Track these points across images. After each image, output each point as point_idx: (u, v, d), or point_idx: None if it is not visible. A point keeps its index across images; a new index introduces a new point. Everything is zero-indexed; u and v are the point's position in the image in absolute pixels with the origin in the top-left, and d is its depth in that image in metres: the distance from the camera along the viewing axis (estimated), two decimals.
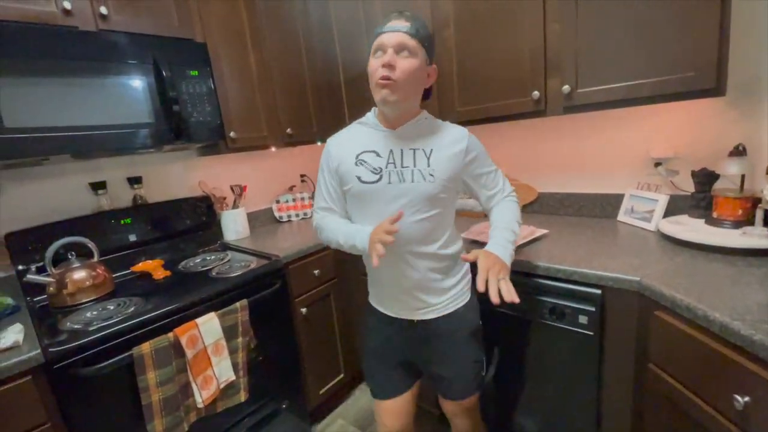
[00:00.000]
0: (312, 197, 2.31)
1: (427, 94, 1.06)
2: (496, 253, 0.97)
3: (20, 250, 1.36)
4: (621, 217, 1.49)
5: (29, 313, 1.26)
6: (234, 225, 1.91)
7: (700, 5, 1.02)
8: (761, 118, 1.21)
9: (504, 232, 1.04)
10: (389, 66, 0.91)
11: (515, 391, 1.34)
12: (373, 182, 0.99)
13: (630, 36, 1.13)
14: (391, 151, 1.00)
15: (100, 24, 1.30)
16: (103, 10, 1.30)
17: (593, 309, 1.09)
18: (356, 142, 1.04)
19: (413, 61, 0.93)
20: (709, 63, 1.03)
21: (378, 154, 1.00)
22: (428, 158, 0.98)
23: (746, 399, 0.74)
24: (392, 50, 0.91)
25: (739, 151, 1.19)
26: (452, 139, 1.02)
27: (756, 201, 1.16)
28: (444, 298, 1.06)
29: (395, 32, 0.92)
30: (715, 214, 1.22)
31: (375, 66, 0.94)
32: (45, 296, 1.33)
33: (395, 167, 0.98)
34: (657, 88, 1.11)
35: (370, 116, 1.07)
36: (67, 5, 1.23)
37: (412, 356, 1.13)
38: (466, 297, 1.10)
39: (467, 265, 1.14)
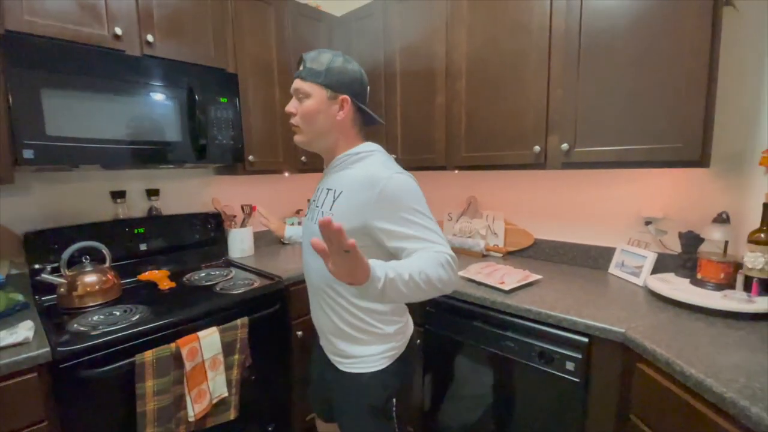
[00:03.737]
0: None
1: (367, 120, 1.03)
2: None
3: (36, 250, 1.42)
4: (612, 269, 1.56)
5: (37, 311, 1.30)
6: (240, 243, 1.97)
7: (689, 84, 1.13)
8: (744, 189, 1.31)
9: (406, 266, 0.74)
10: (289, 113, 0.98)
11: None
12: (306, 218, 1.08)
13: (625, 105, 1.25)
14: (318, 188, 1.05)
15: (145, 50, 1.43)
16: (150, 38, 1.43)
17: (580, 356, 1.14)
18: None
19: (308, 102, 0.95)
20: (695, 137, 1.13)
21: (316, 191, 1.07)
22: (334, 200, 0.94)
23: None
24: (294, 97, 0.98)
25: (722, 219, 1.28)
26: (363, 183, 0.88)
27: (738, 266, 1.23)
28: (348, 361, 1.01)
29: (297, 78, 0.97)
30: (699, 275, 1.29)
31: None
32: (53, 296, 1.37)
33: (314, 205, 1.03)
34: (647, 155, 1.21)
35: None
36: (119, 31, 1.36)
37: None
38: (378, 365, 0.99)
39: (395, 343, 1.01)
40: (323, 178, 1.04)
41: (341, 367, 1.02)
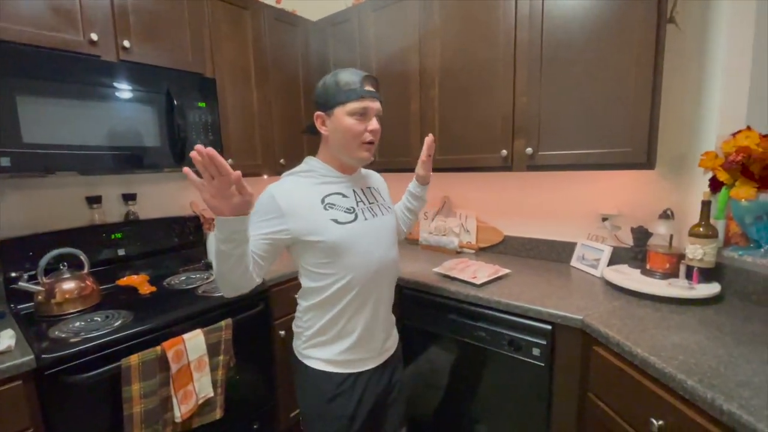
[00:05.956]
0: None
1: None
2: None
3: (11, 258, 1.40)
4: (573, 262, 1.70)
5: (15, 320, 1.28)
6: None
7: (635, 94, 1.26)
8: (687, 188, 1.46)
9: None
10: (375, 132, 1.02)
11: (475, 416, 1.46)
12: (350, 222, 1.00)
13: (581, 113, 1.37)
14: (354, 191, 1.07)
15: (121, 55, 1.43)
16: (126, 43, 1.43)
17: (545, 342, 1.25)
18: (314, 191, 1.01)
19: (378, 123, 1.04)
20: (641, 142, 1.26)
21: (344, 195, 1.03)
22: (380, 194, 1.17)
23: (660, 422, 0.90)
24: (373, 117, 1.01)
25: (667, 215, 1.43)
26: (381, 180, 1.26)
27: (681, 257, 1.38)
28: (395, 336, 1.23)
29: (375, 99, 1.00)
30: (648, 266, 1.43)
31: (360, 129, 0.99)
32: (30, 304, 1.36)
33: (365, 204, 1.07)
34: (601, 158, 1.34)
35: (316, 165, 1.06)
36: (94, 37, 1.35)
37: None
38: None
39: None
40: (347, 182, 1.07)
41: (394, 351, 1.19)
